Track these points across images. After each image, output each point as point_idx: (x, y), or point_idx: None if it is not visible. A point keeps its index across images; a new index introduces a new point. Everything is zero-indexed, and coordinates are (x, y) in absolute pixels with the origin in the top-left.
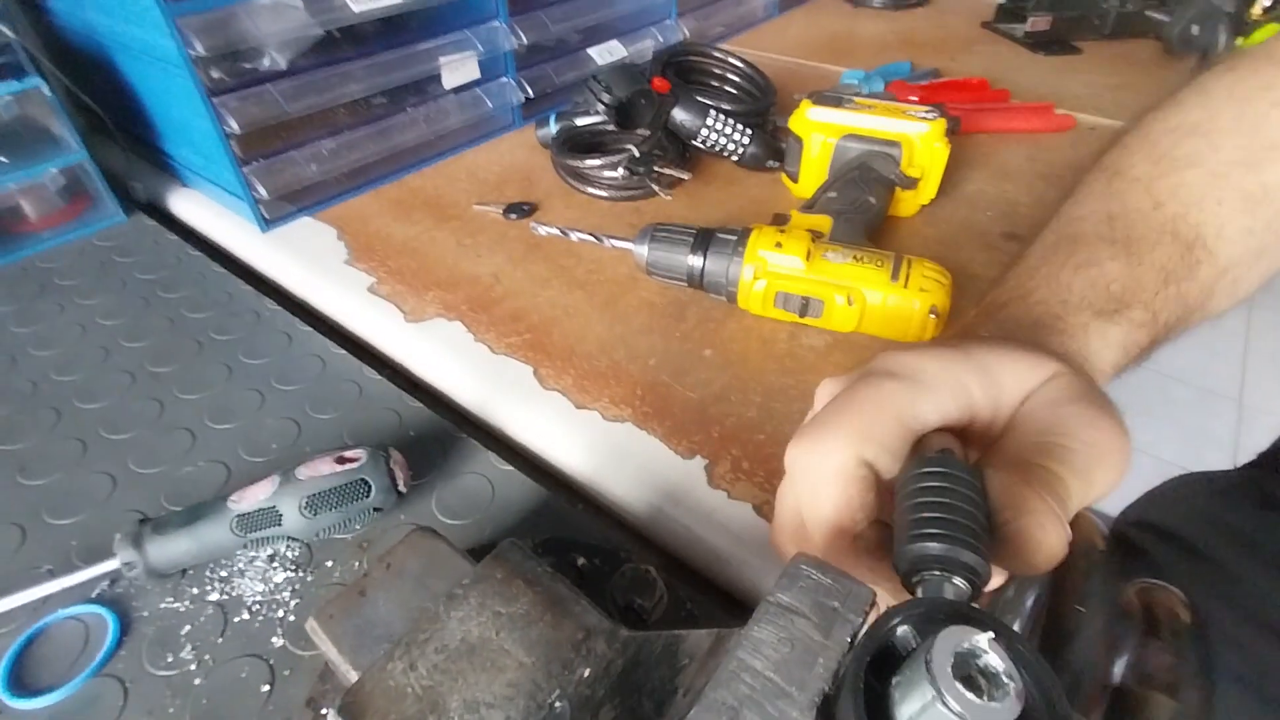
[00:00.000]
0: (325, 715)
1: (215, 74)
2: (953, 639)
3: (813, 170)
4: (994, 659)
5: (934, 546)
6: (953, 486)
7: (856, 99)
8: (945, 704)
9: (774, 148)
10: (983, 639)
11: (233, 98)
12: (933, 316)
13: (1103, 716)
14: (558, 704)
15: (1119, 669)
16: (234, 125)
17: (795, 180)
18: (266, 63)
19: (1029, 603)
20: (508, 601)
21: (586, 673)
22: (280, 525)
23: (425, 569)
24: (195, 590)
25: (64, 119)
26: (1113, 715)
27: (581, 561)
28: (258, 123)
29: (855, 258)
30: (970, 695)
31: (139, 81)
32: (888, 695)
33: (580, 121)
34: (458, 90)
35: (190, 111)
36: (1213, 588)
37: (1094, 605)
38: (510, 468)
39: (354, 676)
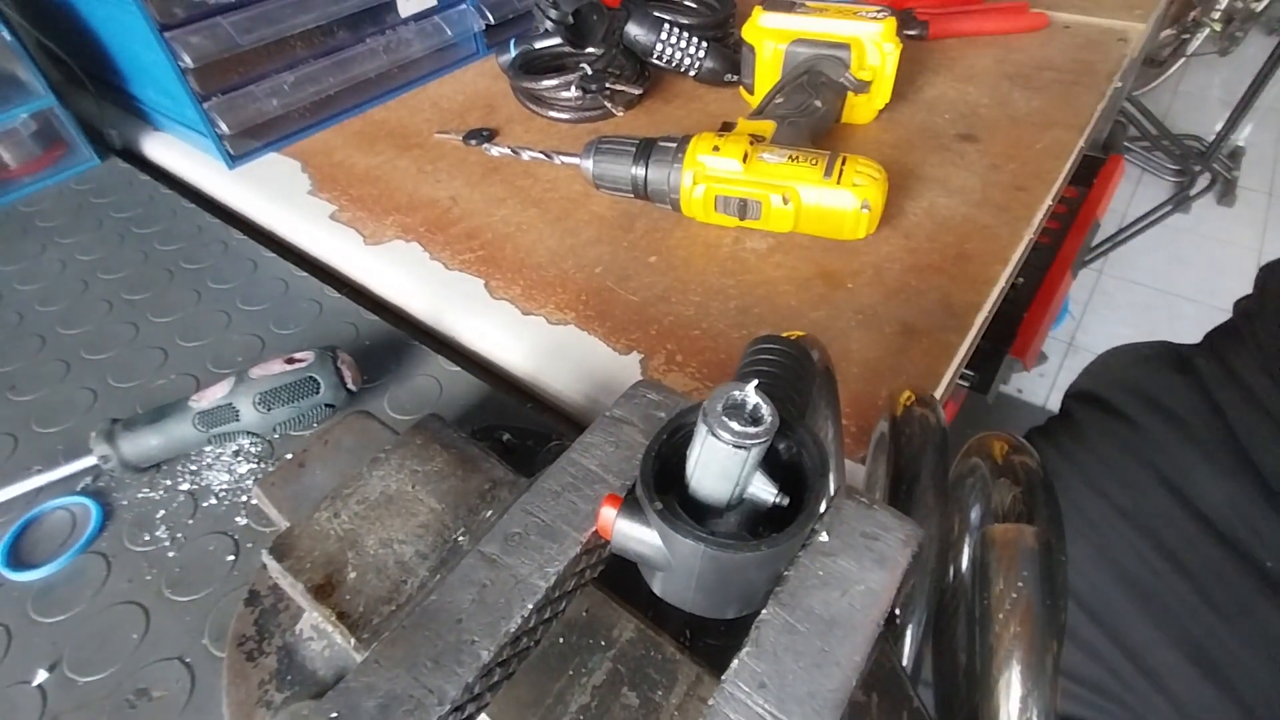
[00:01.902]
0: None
1: (165, 8)
2: (724, 391)
3: (766, 78)
4: (757, 401)
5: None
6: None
7: (810, 3)
8: (715, 434)
9: (732, 61)
10: (748, 387)
11: (184, 31)
12: (864, 211)
13: (973, 561)
14: (460, 538)
15: (975, 516)
16: (188, 59)
17: (751, 91)
18: None
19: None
20: (424, 461)
21: (489, 514)
22: (238, 420)
23: (358, 443)
24: (168, 482)
25: (29, 65)
26: (985, 554)
27: (506, 437)
28: (211, 56)
29: (791, 158)
30: (734, 424)
31: (99, 25)
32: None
33: (539, 45)
34: (416, 18)
35: (146, 48)
36: (1117, 438)
37: (927, 475)
38: (457, 368)
39: None
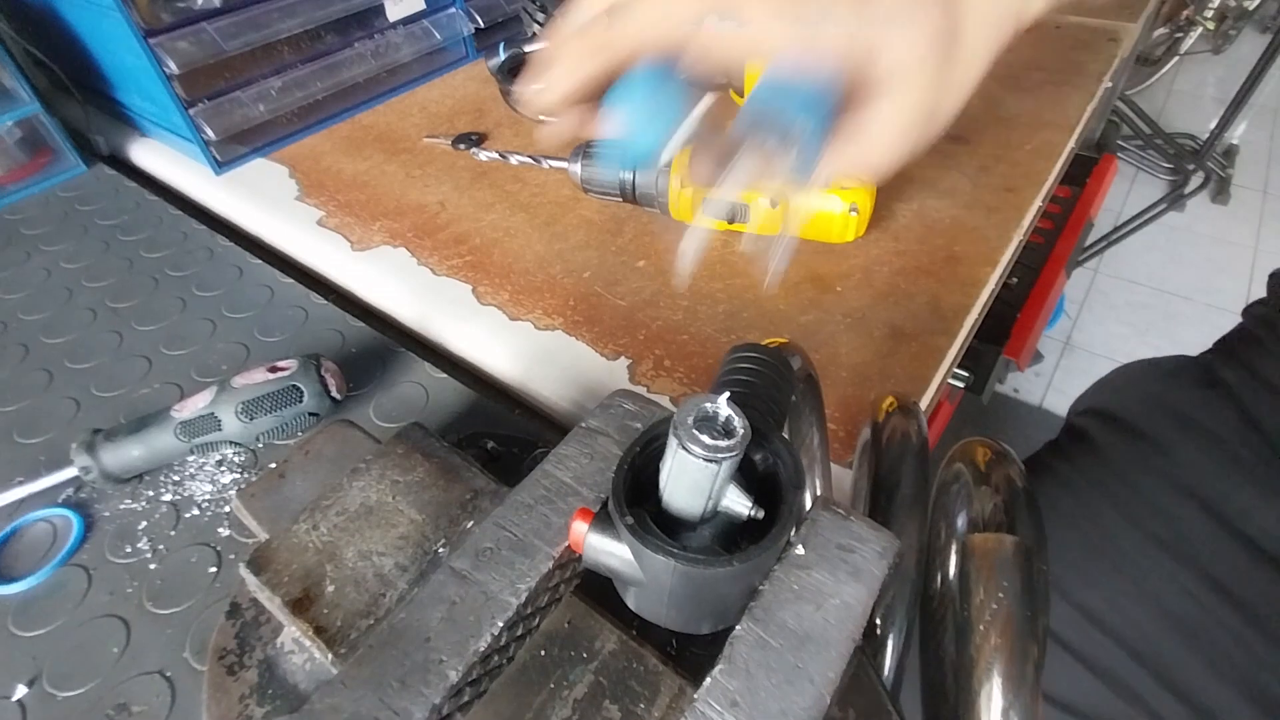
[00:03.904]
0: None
1: (149, 14)
2: (696, 402)
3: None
4: (729, 413)
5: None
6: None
7: None
8: (685, 447)
9: None
10: (720, 399)
11: (169, 37)
12: (852, 214)
13: (955, 569)
14: (440, 549)
15: (961, 523)
16: (172, 66)
17: (741, 94)
18: (200, 1)
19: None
20: (405, 471)
21: (470, 524)
22: (220, 430)
23: (340, 453)
24: (150, 493)
25: (14, 72)
26: (965, 563)
27: (491, 445)
28: (196, 62)
29: None
30: (704, 437)
31: (84, 31)
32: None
33: (528, 48)
34: (405, 22)
35: (130, 55)
36: (1146, 463)
37: (908, 483)
38: (444, 375)
39: None
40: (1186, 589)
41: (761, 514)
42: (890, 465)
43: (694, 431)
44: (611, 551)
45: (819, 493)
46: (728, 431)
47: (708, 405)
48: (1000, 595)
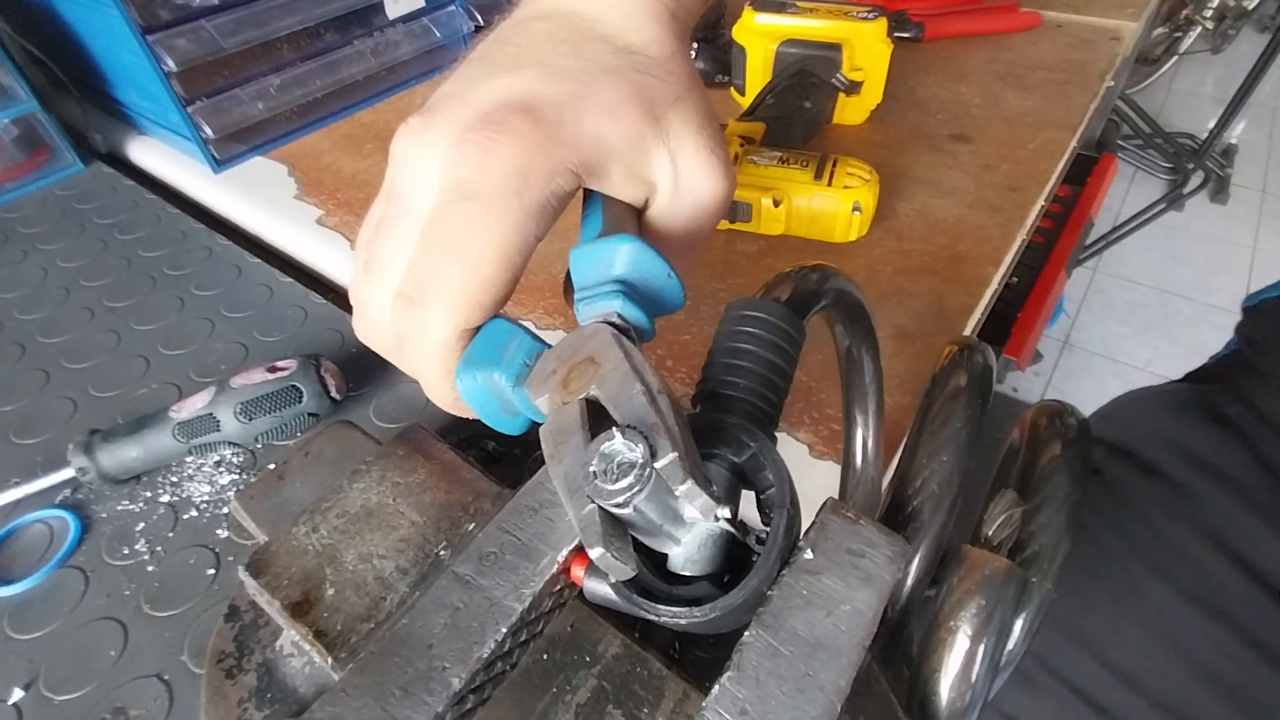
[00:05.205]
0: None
1: (147, 11)
2: (594, 448)
3: (757, 79)
4: (623, 443)
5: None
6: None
7: (800, 3)
8: (599, 505)
9: (723, 62)
10: (616, 434)
11: (167, 34)
12: (856, 213)
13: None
14: (442, 552)
15: (996, 509)
16: (171, 63)
17: (742, 92)
18: None
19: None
20: (406, 473)
21: (471, 527)
22: (219, 431)
23: (340, 454)
24: (149, 493)
25: (11, 69)
26: (948, 569)
27: (492, 445)
28: (195, 59)
29: (781, 160)
30: (607, 485)
31: (82, 28)
32: None
33: None
34: (404, 20)
35: (129, 52)
36: (1168, 505)
37: (960, 424)
38: None
39: None
40: (1220, 645)
41: (726, 517)
42: (942, 409)
43: (597, 484)
44: (610, 594)
45: (873, 429)
46: (630, 465)
47: (605, 446)
48: (973, 614)
